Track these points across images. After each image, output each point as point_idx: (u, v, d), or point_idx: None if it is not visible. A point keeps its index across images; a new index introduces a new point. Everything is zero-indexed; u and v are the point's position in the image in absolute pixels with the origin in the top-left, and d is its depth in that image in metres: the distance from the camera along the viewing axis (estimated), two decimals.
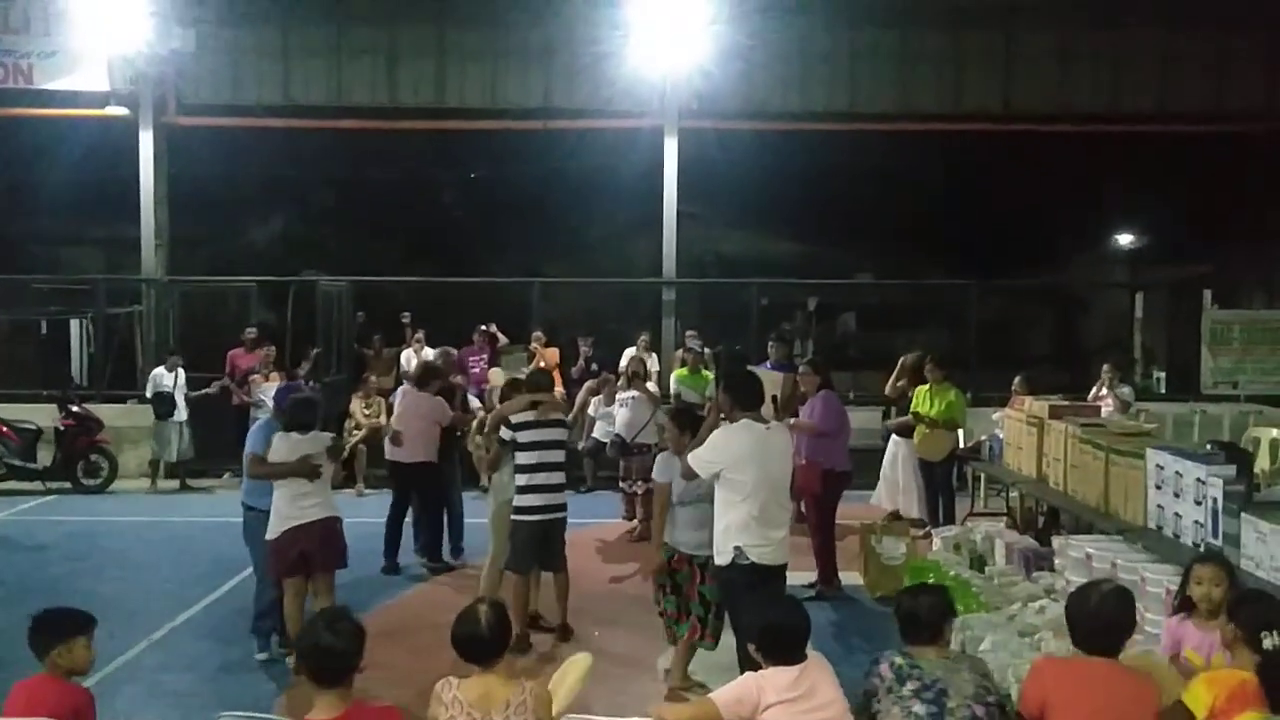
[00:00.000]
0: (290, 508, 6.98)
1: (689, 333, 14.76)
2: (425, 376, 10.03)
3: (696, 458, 6.09)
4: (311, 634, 3.74)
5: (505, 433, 7.72)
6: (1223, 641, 4.01)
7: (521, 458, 7.60)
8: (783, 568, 6.17)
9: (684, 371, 12.81)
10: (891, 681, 3.98)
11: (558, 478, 7.69)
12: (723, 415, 6.35)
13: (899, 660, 4.01)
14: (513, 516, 7.65)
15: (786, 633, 4.17)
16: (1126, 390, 12.79)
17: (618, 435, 11.47)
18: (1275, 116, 15.88)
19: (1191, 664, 4.37)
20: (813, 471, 8.70)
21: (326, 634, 3.68)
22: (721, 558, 6.06)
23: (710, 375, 12.92)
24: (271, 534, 7.03)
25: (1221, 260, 19.68)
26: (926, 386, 10.79)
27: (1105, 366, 13.09)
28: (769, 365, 11.26)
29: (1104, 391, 12.24)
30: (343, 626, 3.72)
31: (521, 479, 7.60)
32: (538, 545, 7.60)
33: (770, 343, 11.85)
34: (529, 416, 7.63)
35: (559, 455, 7.74)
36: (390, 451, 9.88)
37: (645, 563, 7.08)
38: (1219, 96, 15.81)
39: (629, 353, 14.74)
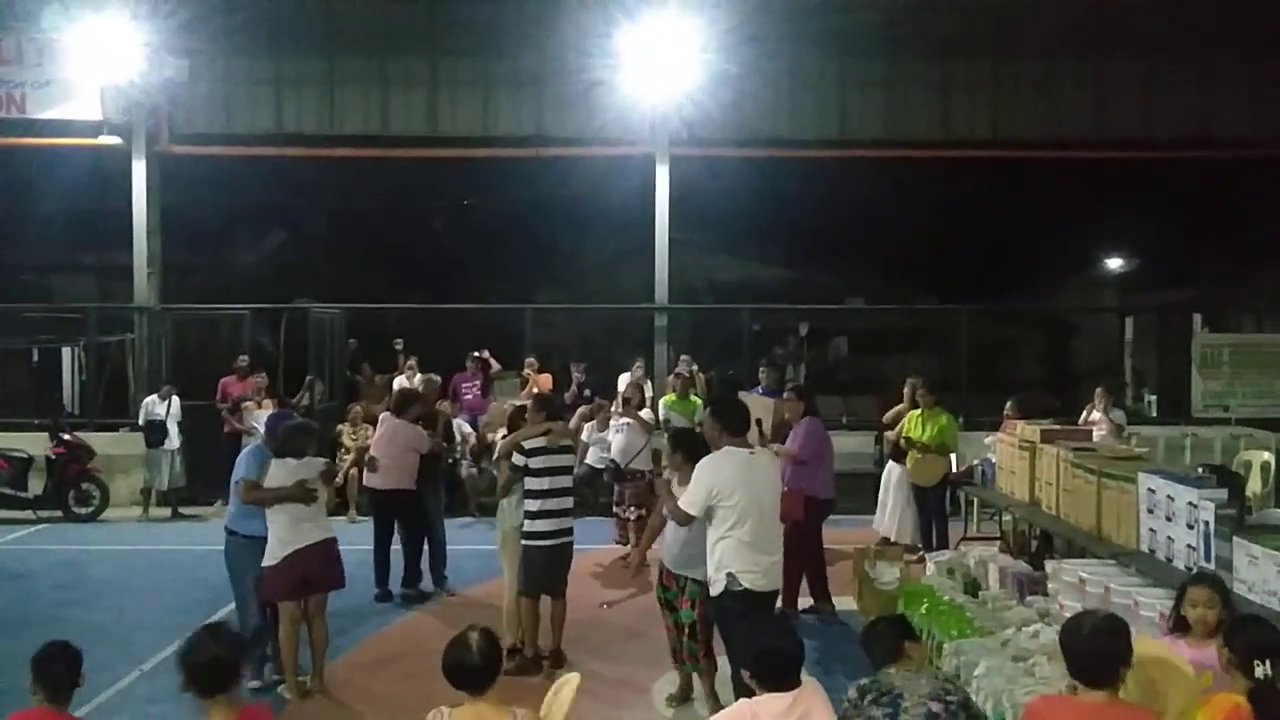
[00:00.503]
0: (289, 533, 7.01)
1: (683, 358, 14.80)
2: (403, 403, 10.00)
3: (687, 502, 6.09)
4: (202, 648, 3.89)
5: (518, 458, 7.73)
6: (1221, 664, 4.01)
7: (533, 483, 7.61)
8: (775, 593, 6.21)
9: (672, 397, 12.85)
10: (856, 699, 4.19)
11: (568, 503, 7.75)
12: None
13: (864, 681, 4.23)
14: (524, 542, 7.65)
15: (780, 658, 4.15)
16: (1119, 414, 12.82)
17: (612, 461, 11.47)
18: (1261, 142, 16.01)
19: None
20: (795, 498, 8.66)
21: (215, 646, 3.89)
22: (715, 587, 6.06)
23: (699, 401, 12.95)
24: (271, 560, 7.04)
25: (1210, 284, 19.80)
26: (918, 412, 10.83)
27: (1098, 390, 13.09)
28: (760, 390, 11.29)
29: (1096, 415, 12.26)
30: (227, 637, 4.01)
31: (533, 504, 7.62)
32: (550, 570, 7.63)
33: (761, 368, 11.90)
34: (541, 442, 7.65)
35: (568, 480, 7.81)
36: (368, 478, 9.87)
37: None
38: (1205, 122, 15.94)
39: (625, 378, 14.77)
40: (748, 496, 6.01)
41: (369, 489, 9.94)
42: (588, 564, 10.91)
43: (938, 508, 10.86)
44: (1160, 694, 4.16)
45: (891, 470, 11.29)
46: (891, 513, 11.11)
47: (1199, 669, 4.30)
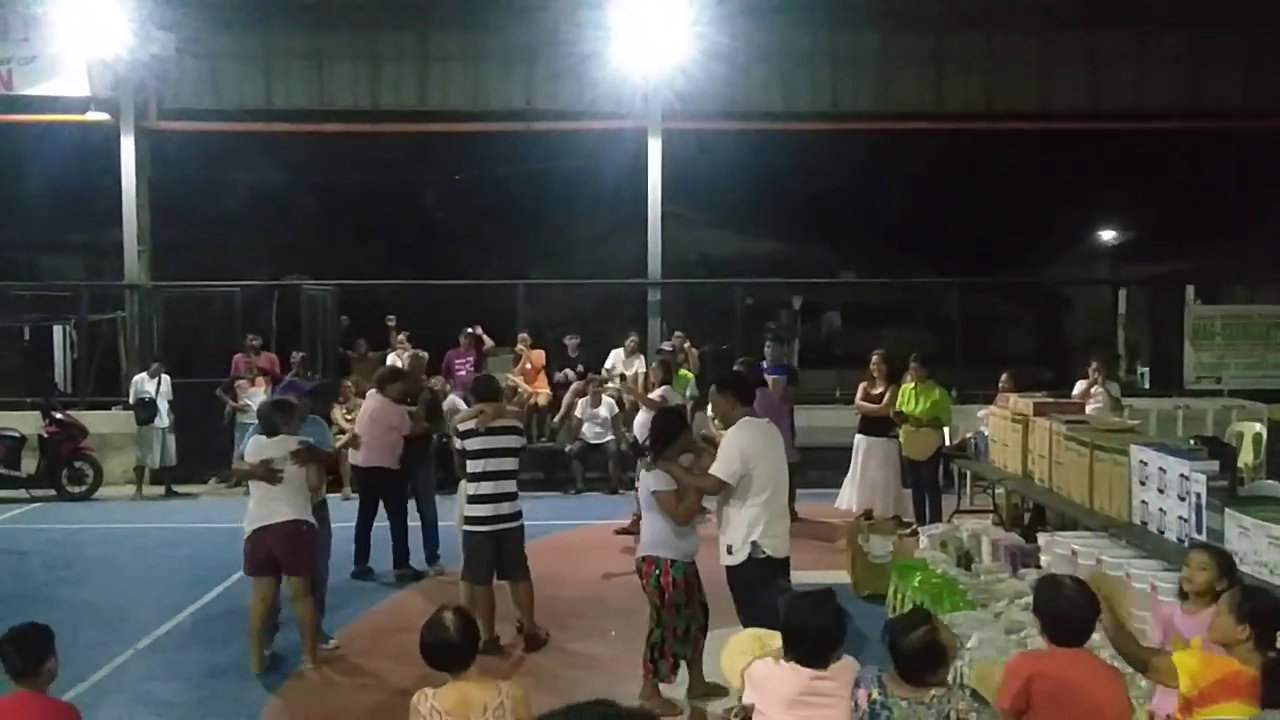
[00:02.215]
0: (258, 509, 7.11)
1: (676, 334, 14.78)
2: (386, 380, 9.91)
3: (725, 470, 6.06)
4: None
5: (456, 443, 7.67)
6: (1216, 634, 4.01)
7: (470, 466, 7.49)
8: (788, 560, 6.36)
9: None
10: (865, 714, 3.86)
11: (508, 486, 7.48)
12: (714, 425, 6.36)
13: (875, 694, 3.85)
14: (464, 527, 7.58)
15: (804, 635, 4.04)
16: (1115, 386, 12.83)
17: (634, 437, 11.47)
18: (1253, 114, 15.99)
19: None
20: None
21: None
22: (737, 555, 6.07)
23: (690, 375, 12.92)
24: (244, 535, 7.13)
25: (1202, 256, 19.82)
26: (911, 385, 10.82)
27: (1093, 364, 13.07)
28: (765, 365, 11.25)
29: (1094, 389, 12.26)
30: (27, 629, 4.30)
31: (470, 488, 7.51)
32: (490, 556, 7.48)
33: (767, 342, 11.72)
34: (472, 424, 7.51)
35: (509, 463, 7.52)
36: (351, 455, 9.85)
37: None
38: (1197, 94, 15.88)
39: (616, 354, 14.78)
40: (771, 464, 6.14)
41: (353, 466, 9.95)
42: (582, 540, 10.96)
43: (931, 481, 10.86)
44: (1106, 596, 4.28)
45: (859, 443, 11.25)
46: (884, 488, 11.07)
47: (1187, 637, 4.33)
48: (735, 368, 9.21)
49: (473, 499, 7.48)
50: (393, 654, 7.33)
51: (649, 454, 6.46)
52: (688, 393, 11.99)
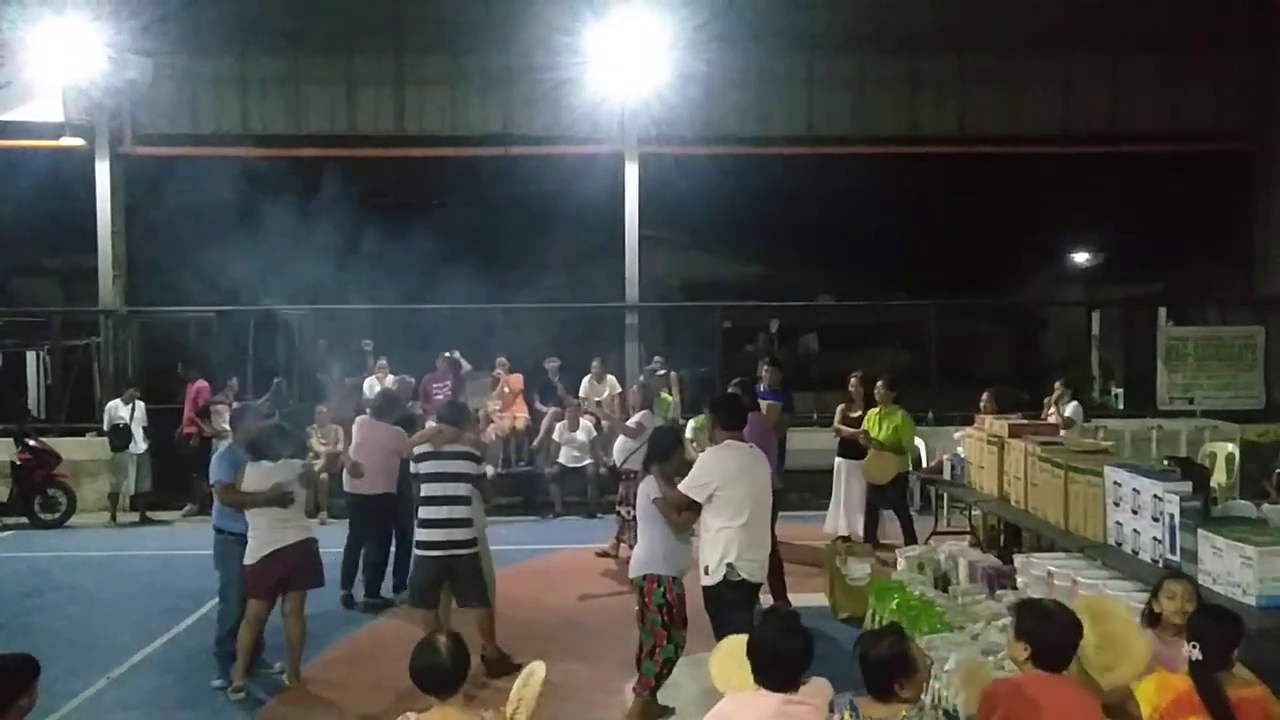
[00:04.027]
0: (269, 534, 7.10)
1: (656, 358, 14.79)
2: (386, 406, 9.91)
3: (689, 486, 6.17)
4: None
5: (413, 466, 7.64)
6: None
7: (423, 490, 7.45)
8: (760, 586, 6.40)
9: (668, 398, 12.61)
10: None
11: (460, 511, 7.33)
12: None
13: (848, 717, 3.87)
14: (415, 551, 7.50)
15: (773, 657, 4.03)
16: (1073, 406, 12.97)
17: (612, 461, 11.48)
18: (1225, 136, 16.20)
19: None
20: None
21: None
22: (711, 577, 6.13)
23: (670, 398, 12.90)
24: (251, 558, 7.12)
25: (1175, 278, 19.98)
26: (877, 410, 10.86)
27: (1057, 383, 13.32)
28: (762, 390, 11.17)
29: (1050, 411, 12.44)
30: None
31: (421, 512, 7.41)
32: (435, 580, 7.39)
33: (765, 367, 11.57)
34: (427, 447, 7.48)
35: (461, 488, 7.39)
36: (350, 484, 9.54)
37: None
38: (1169, 117, 16.09)
39: (587, 379, 14.84)
40: (749, 490, 6.19)
41: (351, 494, 9.60)
42: (560, 564, 10.92)
43: (899, 504, 10.88)
44: (1117, 647, 4.24)
45: (840, 466, 11.28)
46: (845, 509, 11.09)
47: (1164, 663, 4.36)
48: (730, 389, 9.10)
49: (423, 523, 7.37)
50: (374, 678, 7.29)
51: (647, 464, 6.54)
52: (669, 415, 11.97)
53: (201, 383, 14.17)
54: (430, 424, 13.59)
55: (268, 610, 7.24)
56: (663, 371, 13.08)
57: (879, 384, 10.98)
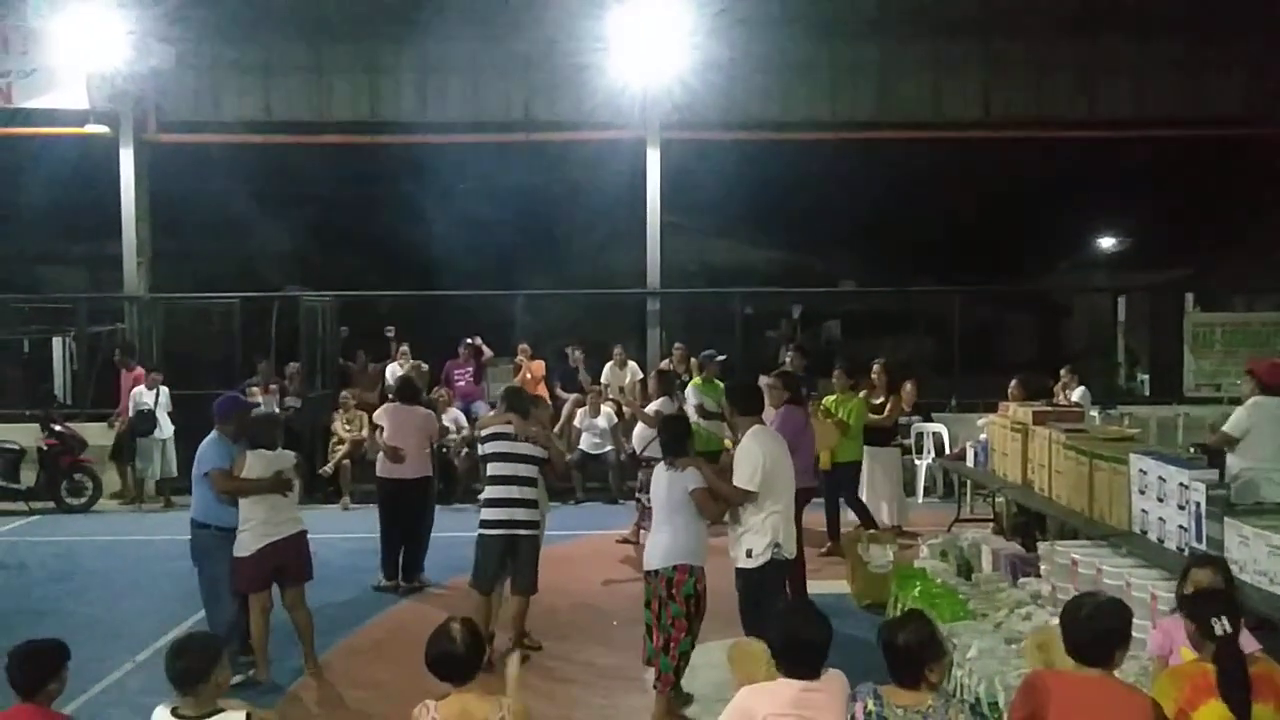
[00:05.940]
0: (266, 525, 7.04)
1: (676, 345, 14.75)
2: (411, 391, 9.96)
3: (744, 478, 6.21)
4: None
5: (480, 447, 7.68)
6: (1190, 638, 4.04)
7: (489, 469, 7.54)
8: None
9: (699, 380, 12.48)
10: None
11: (528, 492, 7.43)
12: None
13: (871, 705, 3.82)
14: (479, 530, 7.51)
15: (799, 646, 4.01)
16: (1080, 391, 12.91)
17: (633, 447, 11.49)
18: (1253, 121, 15.99)
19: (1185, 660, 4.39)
20: None
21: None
22: (757, 559, 6.20)
23: (721, 385, 12.74)
24: (243, 551, 7.04)
25: (1202, 263, 19.81)
26: (833, 396, 10.79)
27: (1063, 370, 13.27)
28: None
29: (1060, 397, 12.41)
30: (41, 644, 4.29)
31: (487, 491, 7.53)
32: (498, 563, 7.42)
33: (789, 353, 11.46)
34: (497, 427, 7.57)
35: (529, 470, 7.47)
36: (386, 469, 9.46)
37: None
38: (1197, 101, 15.89)
39: (609, 366, 14.83)
40: (784, 471, 6.37)
41: (389, 479, 9.49)
42: (581, 551, 10.94)
43: (849, 493, 10.76)
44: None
45: (864, 455, 11.15)
46: (868, 497, 11.01)
47: (1195, 646, 4.31)
48: (766, 380, 8.90)
49: (488, 502, 7.48)
50: (401, 664, 7.27)
51: (670, 457, 6.51)
52: (722, 401, 11.79)
53: (139, 370, 14.12)
54: (453, 409, 13.72)
55: (268, 598, 7.16)
56: (722, 357, 12.85)
57: (836, 370, 10.92)
